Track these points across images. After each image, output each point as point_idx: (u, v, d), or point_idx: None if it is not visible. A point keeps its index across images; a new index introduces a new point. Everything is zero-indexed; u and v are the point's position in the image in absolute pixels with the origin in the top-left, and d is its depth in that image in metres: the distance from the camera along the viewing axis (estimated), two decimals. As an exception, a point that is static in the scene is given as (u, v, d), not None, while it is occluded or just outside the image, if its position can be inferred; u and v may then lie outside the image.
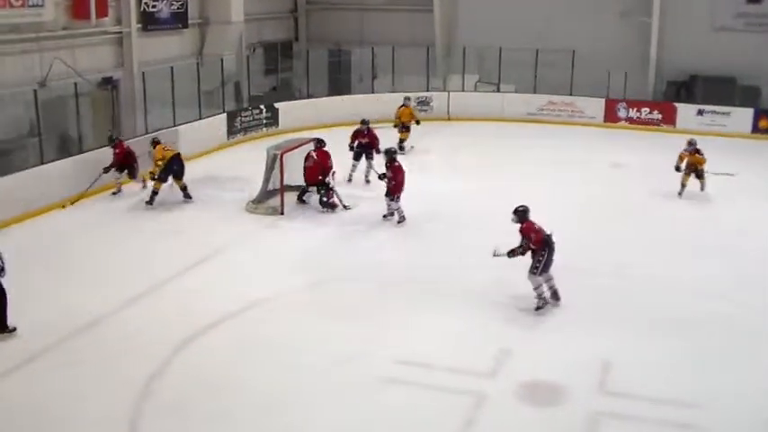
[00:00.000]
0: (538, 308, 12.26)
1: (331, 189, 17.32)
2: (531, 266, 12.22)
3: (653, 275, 13.78)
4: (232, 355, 11.06)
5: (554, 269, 12.26)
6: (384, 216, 16.57)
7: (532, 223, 12.30)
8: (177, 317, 12.09)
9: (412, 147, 22.22)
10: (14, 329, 11.31)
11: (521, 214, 12.37)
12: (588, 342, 11.25)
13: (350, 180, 19.23)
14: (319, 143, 17.58)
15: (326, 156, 17.40)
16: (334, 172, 17.40)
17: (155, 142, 18.15)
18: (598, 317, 12.14)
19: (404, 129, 22.44)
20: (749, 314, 12.34)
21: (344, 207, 17.40)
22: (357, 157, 19.48)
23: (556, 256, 12.23)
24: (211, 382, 10.29)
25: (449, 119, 27.11)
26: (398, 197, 16.34)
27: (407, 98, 23.21)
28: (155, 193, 17.59)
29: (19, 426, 9.44)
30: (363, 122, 19.68)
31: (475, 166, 21.11)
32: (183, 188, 17.97)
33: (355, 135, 19.52)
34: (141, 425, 9.41)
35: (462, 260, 14.18)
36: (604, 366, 10.61)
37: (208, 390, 10.09)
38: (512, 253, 12.23)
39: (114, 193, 18.35)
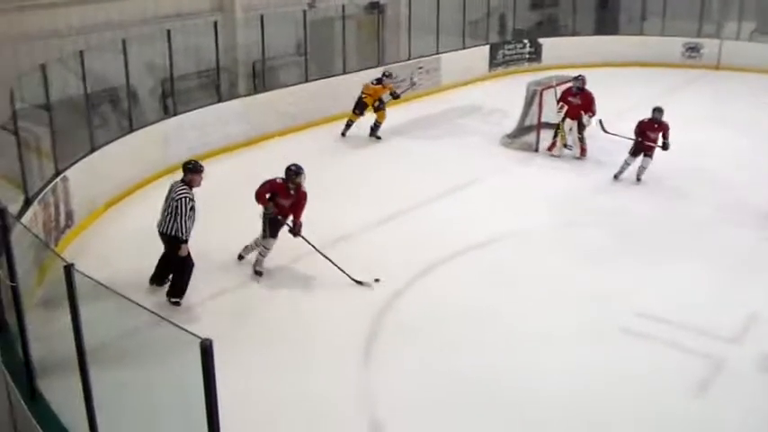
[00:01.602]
0: None
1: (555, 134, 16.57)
2: None
3: None
4: (473, 284, 11.05)
5: None
6: (615, 176, 15.30)
7: None
8: (423, 242, 12.21)
9: None
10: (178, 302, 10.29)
11: None
12: None
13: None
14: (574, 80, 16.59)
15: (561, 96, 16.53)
16: (562, 106, 16.32)
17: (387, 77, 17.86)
18: None
19: None
20: None
21: (565, 146, 16.55)
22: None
23: None
24: (450, 309, 10.34)
25: (717, 67, 25.56)
26: (650, 155, 14.98)
27: None
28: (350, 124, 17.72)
29: (263, 336, 9.82)
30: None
31: (743, 122, 19.16)
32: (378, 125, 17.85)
33: None
34: (376, 345, 9.58)
35: (722, 218, 13.28)
36: None
37: (445, 316, 10.14)
38: None
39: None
